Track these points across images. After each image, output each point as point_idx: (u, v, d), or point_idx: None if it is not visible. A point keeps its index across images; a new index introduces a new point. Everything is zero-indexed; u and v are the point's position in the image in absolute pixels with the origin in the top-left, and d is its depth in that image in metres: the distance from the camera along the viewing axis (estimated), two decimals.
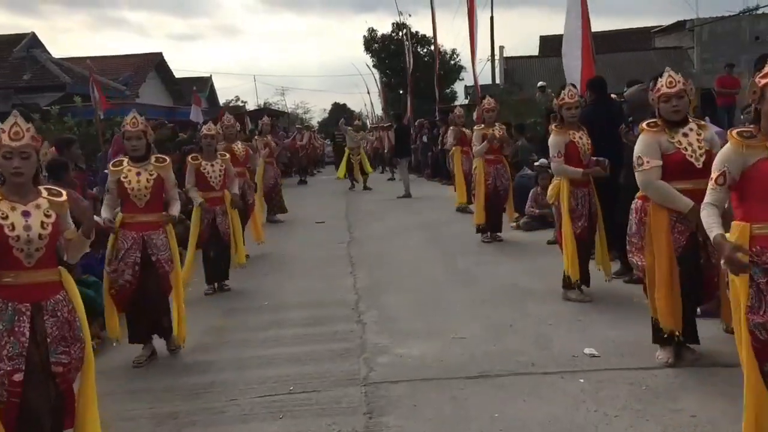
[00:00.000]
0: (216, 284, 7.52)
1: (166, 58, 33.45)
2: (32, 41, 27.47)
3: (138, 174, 5.38)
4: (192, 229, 7.27)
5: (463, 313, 6.18)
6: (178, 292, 5.50)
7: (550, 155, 6.40)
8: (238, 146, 9.10)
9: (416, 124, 23.14)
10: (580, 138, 6.36)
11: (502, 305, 6.36)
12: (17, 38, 27.36)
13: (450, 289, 7.12)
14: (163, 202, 5.46)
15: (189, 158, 7.36)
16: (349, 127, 19.05)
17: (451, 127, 12.64)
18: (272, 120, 29.66)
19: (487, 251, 8.93)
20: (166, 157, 5.51)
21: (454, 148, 12.50)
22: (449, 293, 6.93)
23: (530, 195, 10.62)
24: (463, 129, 12.39)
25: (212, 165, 7.32)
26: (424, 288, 7.19)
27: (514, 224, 10.88)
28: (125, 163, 5.45)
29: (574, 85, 6.99)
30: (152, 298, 5.36)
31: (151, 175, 5.38)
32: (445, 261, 8.51)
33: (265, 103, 52.48)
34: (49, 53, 28.19)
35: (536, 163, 14.41)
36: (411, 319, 6.09)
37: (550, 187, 6.49)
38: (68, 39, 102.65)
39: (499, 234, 9.44)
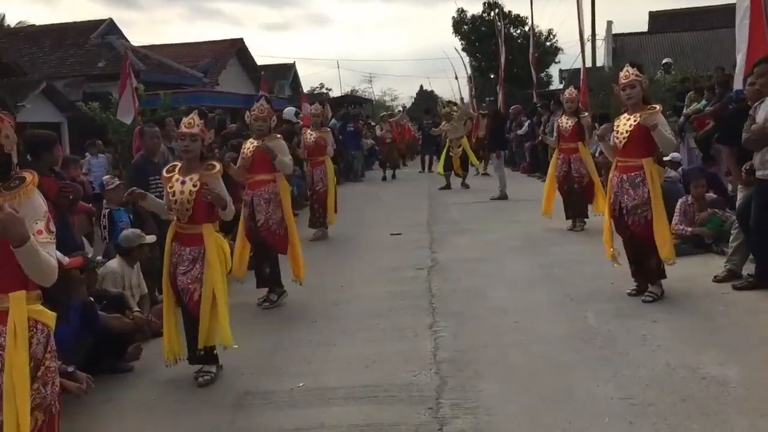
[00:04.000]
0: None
1: (254, 46, 32.17)
2: (109, 28, 26.45)
3: None
4: None
5: None
6: None
7: None
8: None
9: (511, 111, 20.39)
10: None
11: (690, 419, 3.74)
12: (95, 25, 26.40)
13: (586, 373, 4.51)
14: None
15: (165, 172, 4.96)
16: (444, 123, 15.97)
17: (562, 116, 9.61)
18: (353, 108, 27.63)
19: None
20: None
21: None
22: (587, 385, 4.32)
23: (678, 207, 7.84)
24: (579, 117, 9.47)
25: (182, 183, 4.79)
26: (544, 369, 4.62)
27: None
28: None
29: None
30: None
31: None
32: (567, 310, 5.89)
33: (352, 91, 50.43)
34: (126, 40, 27.10)
35: (666, 159, 11.57)
36: None
37: None
38: (166, 30, 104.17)
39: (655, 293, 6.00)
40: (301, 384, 4.62)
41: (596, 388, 4.24)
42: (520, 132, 18.35)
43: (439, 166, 16.04)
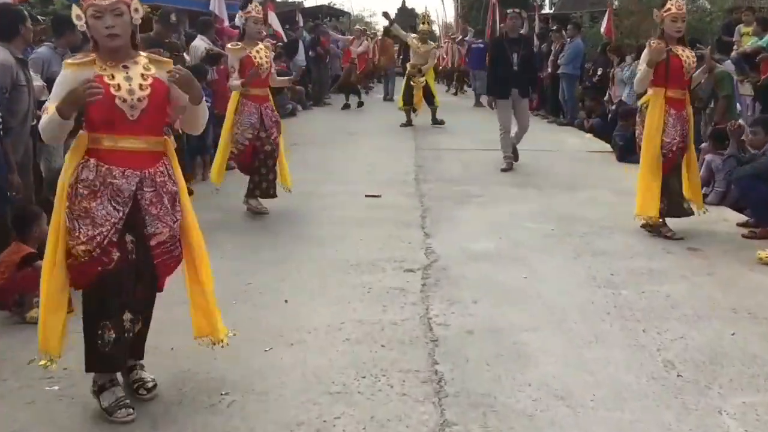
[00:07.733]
0: None
1: None
2: None
3: None
4: None
5: None
6: None
7: None
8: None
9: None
10: None
11: None
12: None
13: None
14: None
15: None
16: (412, 35, 13.25)
17: (652, 41, 5.56)
18: (329, 21, 24.12)
19: (741, 319, 3.65)
20: None
21: (651, 90, 5.60)
22: None
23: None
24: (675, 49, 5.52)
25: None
26: None
27: (747, 232, 5.85)
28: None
29: None
30: None
31: None
32: (678, 399, 3.27)
33: (329, 2, 46.02)
34: None
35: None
36: None
37: None
38: None
39: None
40: None
41: None
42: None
43: (399, 100, 13.32)
